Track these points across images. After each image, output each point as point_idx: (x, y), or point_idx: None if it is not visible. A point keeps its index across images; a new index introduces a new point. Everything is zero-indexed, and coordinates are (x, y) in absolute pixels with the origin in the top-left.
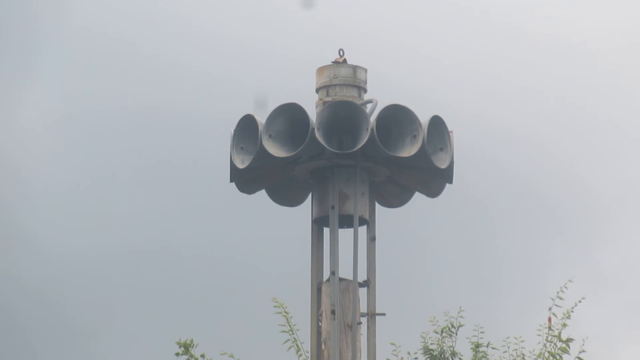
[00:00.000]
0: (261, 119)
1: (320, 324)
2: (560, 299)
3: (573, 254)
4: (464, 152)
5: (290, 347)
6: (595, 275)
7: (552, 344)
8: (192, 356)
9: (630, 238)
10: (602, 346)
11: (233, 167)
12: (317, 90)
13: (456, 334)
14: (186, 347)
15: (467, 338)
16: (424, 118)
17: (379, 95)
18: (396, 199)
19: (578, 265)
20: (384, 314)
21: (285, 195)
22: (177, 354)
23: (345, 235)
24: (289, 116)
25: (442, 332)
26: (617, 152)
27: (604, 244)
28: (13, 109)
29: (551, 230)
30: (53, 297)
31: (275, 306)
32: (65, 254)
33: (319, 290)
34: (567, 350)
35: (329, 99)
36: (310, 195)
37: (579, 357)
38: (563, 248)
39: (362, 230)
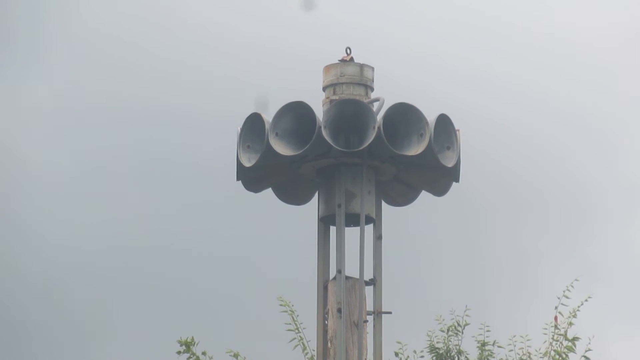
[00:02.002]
0: (268, 117)
1: (326, 322)
2: (567, 297)
3: (565, 248)
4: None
5: (296, 346)
6: (586, 269)
7: (559, 343)
8: (193, 354)
9: (620, 232)
10: (592, 340)
11: (239, 165)
12: (324, 89)
13: (462, 333)
14: (187, 346)
15: (473, 336)
16: (430, 116)
17: (384, 94)
18: (403, 198)
19: (569, 260)
20: (390, 312)
21: (292, 194)
22: (179, 352)
23: (351, 233)
24: (296, 114)
25: (448, 330)
26: (607, 147)
27: (594, 238)
28: (19, 101)
29: (542, 225)
30: (54, 292)
31: (281, 305)
32: (68, 249)
33: (325, 288)
34: (573, 348)
35: (335, 97)
36: (316, 194)
37: (585, 356)
38: (557, 242)
39: (369, 228)
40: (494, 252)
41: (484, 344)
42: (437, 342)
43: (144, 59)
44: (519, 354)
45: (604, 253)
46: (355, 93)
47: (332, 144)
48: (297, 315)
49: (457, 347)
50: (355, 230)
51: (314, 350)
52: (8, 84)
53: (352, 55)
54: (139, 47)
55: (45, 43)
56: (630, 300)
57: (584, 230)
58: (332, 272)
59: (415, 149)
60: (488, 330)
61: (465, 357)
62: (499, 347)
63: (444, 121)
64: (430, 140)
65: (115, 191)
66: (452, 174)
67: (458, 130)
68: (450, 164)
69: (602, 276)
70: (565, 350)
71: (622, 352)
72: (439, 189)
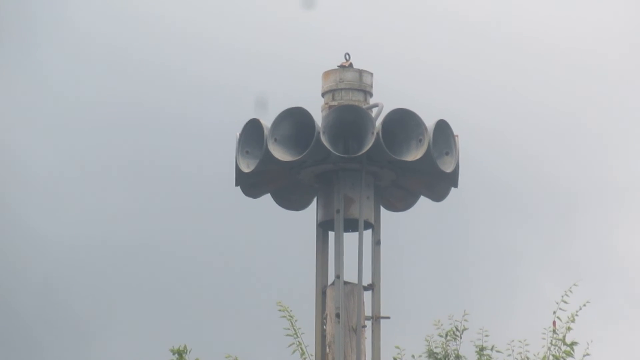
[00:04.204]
0: (267, 123)
1: (325, 327)
2: (565, 302)
3: (549, 249)
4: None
5: (294, 351)
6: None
7: (557, 348)
8: None
9: (599, 229)
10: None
11: (238, 171)
12: (323, 94)
13: (460, 338)
14: (180, 354)
15: (472, 341)
16: (428, 122)
17: (383, 100)
18: (401, 203)
19: (554, 261)
20: (388, 318)
21: (291, 199)
22: None
23: (350, 239)
24: (295, 120)
25: (446, 335)
26: (587, 148)
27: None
28: (16, 102)
29: (521, 223)
30: (52, 290)
31: (279, 310)
32: (67, 247)
33: (324, 293)
34: (571, 353)
35: (334, 103)
36: (315, 199)
37: None
38: (537, 241)
39: (367, 234)
40: (491, 256)
41: (482, 349)
42: (436, 347)
43: (143, 64)
44: (517, 359)
45: (587, 254)
46: (354, 99)
47: (331, 150)
48: (296, 320)
49: (456, 351)
50: (354, 235)
51: (312, 355)
52: (2, 85)
53: (351, 61)
54: (138, 52)
55: (44, 46)
56: (610, 299)
57: (567, 231)
58: (331, 277)
59: (414, 155)
60: (486, 335)
61: None
62: (497, 351)
63: (442, 127)
64: (429, 146)
65: (115, 196)
66: (451, 179)
67: (456, 136)
68: (448, 169)
69: (584, 276)
70: (564, 354)
71: (601, 350)
72: (438, 194)
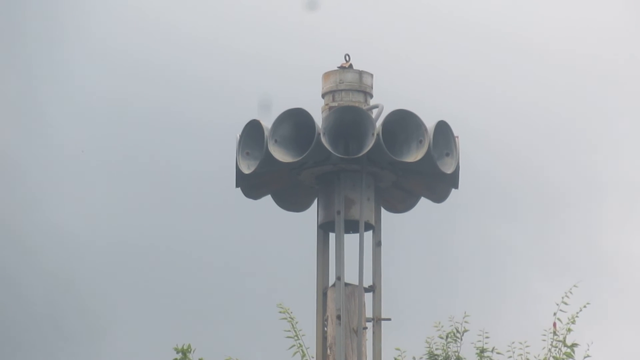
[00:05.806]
0: (267, 124)
1: (325, 329)
2: (565, 304)
3: (535, 245)
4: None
5: (295, 353)
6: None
7: (557, 349)
8: None
9: (586, 225)
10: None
11: (239, 172)
12: (323, 96)
13: (461, 339)
14: (184, 353)
15: (472, 343)
16: (429, 123)
17: (383, 101)
18: (402, 204)
19: (540, 257)
20: (389, 319)
21: (291, 201)
22: None
23: (350, 240)
24: (295, 121)
25: (447, 337)
26: (574, 145)
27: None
28: (29, 107)
29: (514, 221)
30: (52, 290)
31: (280, 312)
32: (68, 247)
33: (325, 295)
34: (572, 355)
35: (334, 104)
36: (316, 201)
37: None
38: (524, 237)
39: (368, 235)
40: (489, 256)
41: (482, 351)
42: (436, 349)
43: (145, 65)
44: None
45: (576, 252)
46: (354, 100)
47: (331, 151)
48: (297, 322)
49: (456, 353)
50: (355, 237)
51: (313, 357)
52: (20, 89)
53: (351, 62)
54: (140, 53)
55: (46, 44)
56: (599, 297)
57: (555, 229)
58: (332, 279)
59: (415, 156)
60: (487, 337)
61: None
62: (497, 353)
63: (443, 128)
64: (429, 147)
65: (114, 197)
66: (451, 181)
67: (457, 137)
68: (449, 170)
69: (572, 273)
70: (564, 356)
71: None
72: (438, 196)
